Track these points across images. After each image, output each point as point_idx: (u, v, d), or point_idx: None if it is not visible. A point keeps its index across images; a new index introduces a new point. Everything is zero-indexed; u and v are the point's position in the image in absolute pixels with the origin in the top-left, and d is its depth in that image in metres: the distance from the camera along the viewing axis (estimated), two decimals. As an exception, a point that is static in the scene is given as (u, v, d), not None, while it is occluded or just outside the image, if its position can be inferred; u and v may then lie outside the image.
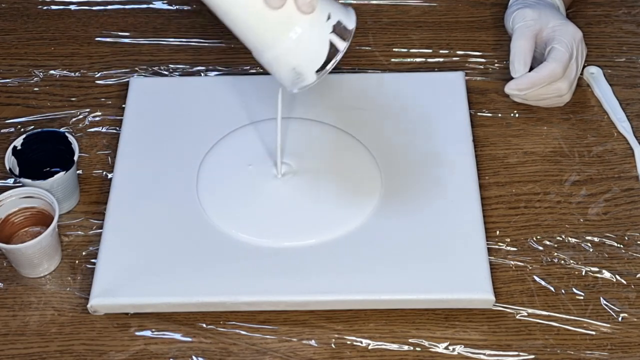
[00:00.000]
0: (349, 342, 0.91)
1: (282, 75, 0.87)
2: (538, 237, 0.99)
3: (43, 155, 1.02)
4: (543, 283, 0.95)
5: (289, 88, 0.88)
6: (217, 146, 1.04)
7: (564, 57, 1.04)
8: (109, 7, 1.22)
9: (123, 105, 1.10)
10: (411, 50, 1.16)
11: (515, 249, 0.98)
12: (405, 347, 0.91)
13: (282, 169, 1.00)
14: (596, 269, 0.96)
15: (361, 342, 0.91)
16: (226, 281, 0.93)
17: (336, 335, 0.92)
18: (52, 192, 0.96)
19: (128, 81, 1.12)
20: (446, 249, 0.95)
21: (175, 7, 1.22)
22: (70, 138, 1.00)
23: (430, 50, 1.16)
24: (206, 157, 1.03)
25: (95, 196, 1.03)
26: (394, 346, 0.91)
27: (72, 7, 1.23)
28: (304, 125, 1.05)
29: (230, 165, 1.02)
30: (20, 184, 0.99)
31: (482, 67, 1.14)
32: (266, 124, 1.05)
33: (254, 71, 1.14)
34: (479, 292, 0.92)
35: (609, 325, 0.92)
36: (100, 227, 0.99)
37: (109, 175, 1.04)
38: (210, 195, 1.00)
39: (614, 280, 0.95)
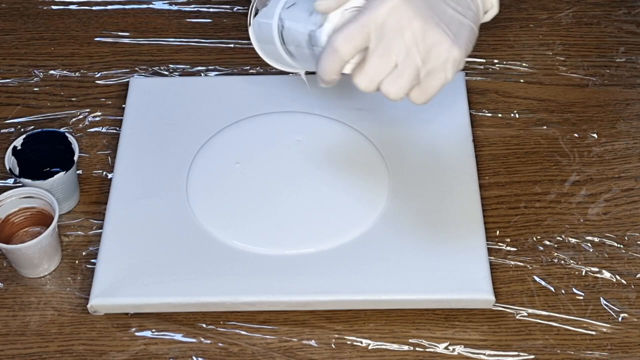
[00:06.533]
0: (349, 342, 0.91)
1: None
2: (538, 237, 0.98)
3: (43, 155, 1.02)
4: (543, 283, 0.95)
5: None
6: (213, 146, 1.04)
7: None
8: (109, 7, 1.22)
9: (123, 105, 1.10)
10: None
11: (515, 249, 0.98)
12: (405, 347, 0.91)
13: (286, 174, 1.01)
14: (596, 269, 0.96)
15: (361, 342, 0.91)
16: (226, 281, 0.93)
17: (336, 335, 0.92)
18: (52, 192, 0.96)
19: (128, 81, 1.12)
20: (446, 249, 0.95)
21: (175, 7, 1.22)
22: (70, 138, 1.00)
23: (430, 50, 1.15)
24: (206, 157, 1.03)
25: (95, 196, 1.03)
26: (394, 346, 0.91)
27: (72, 7, 1.23)
28: (306, 120, 1.06)
29: (227, 166, 1.02)
30: (20, 184, 0.99)
31: (482, 67, 1.14)
32: (267, 118, 1.06)
33: (253, 71, 1.14)
34: (479, 292, 0.92)
35: (609, 326, 0.92)
36: (100, 227, 0.99)
37: (109, 175, 1.04)
38: (205, 197, 1.00)
39: (614, 280, 0.95)
